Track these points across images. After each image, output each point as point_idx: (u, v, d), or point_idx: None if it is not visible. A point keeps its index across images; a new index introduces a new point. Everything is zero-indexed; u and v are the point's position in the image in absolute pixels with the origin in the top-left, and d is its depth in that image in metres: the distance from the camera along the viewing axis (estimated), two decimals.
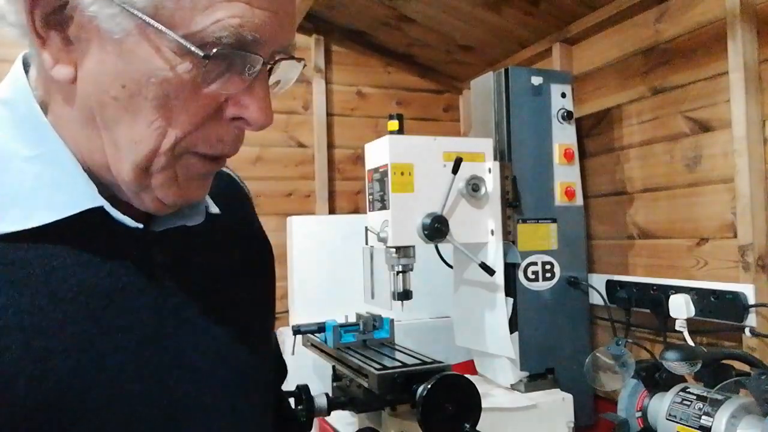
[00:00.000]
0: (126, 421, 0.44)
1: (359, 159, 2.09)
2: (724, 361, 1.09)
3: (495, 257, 1.30)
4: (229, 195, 0.61)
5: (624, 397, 1.10)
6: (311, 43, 2.11)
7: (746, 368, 1.05)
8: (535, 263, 1.38)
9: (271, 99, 0.46)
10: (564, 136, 1.45)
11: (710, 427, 0.94)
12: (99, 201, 0.44)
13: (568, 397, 1.28)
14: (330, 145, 2.09)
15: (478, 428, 1.07)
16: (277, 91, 0.49)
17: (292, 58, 0.46)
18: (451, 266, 1.45)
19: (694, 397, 1.00)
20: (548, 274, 1.39)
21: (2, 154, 0.43)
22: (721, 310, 1.26)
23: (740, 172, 1.26)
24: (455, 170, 1.25)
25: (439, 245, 1.34)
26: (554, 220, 1.41)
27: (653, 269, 1.53)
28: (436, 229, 1.23)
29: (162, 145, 0.43)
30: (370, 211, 1.31)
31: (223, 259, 0.56)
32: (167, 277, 0.50)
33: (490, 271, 1.28)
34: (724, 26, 1.29)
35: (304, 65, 0.48)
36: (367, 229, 1.32)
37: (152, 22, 0.39)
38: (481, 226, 1.31)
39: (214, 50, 0.40)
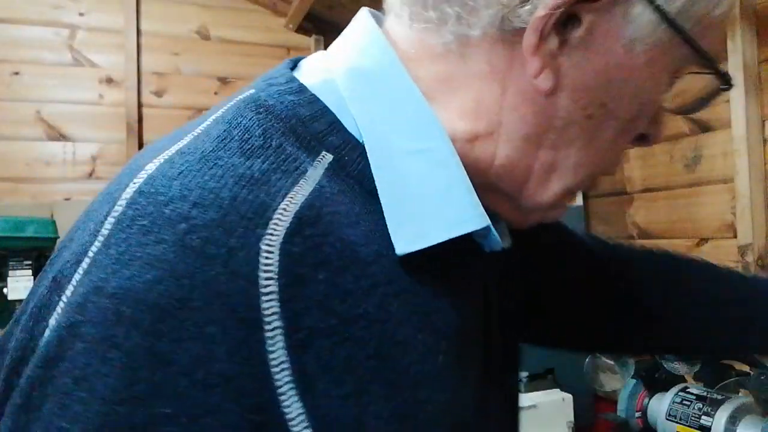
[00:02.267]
0: None
1: None
2: (723, 361, 1.09)
3: None
4: None
5: (624, 398, 1.10)
6: (311, 43, 2.11)
7: (746, 368, 1.05)
8: None
9: None
10: None
11: (710, 427, 0.94)
12: (486, 221, 0.34)
13: (568, 398, 1.28)
14: None
15: None
16: None
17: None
18: None
19: (694, 397, 1.00)
20: None
21: (388, 147, 0.34)
22: None
23: (740, 172, 1.26)
24: None
25: None
26: None
27: None
28: None
29: (598, 167, 0.38)
30: None
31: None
32: (483, 288, 0.43)
33: None
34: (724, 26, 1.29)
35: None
36: None
37: (692, 36, 0.33)
38: None
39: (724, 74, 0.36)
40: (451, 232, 0.33)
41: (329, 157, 0.33)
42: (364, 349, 0.30)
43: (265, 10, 2.16)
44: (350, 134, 0.34)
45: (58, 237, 1.62)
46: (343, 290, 0.30)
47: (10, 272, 1.52)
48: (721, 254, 1.34)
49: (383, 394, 0.31)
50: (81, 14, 1.98)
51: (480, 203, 0.34)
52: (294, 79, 0.36)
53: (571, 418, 1.26)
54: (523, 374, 1.32)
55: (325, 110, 0.34)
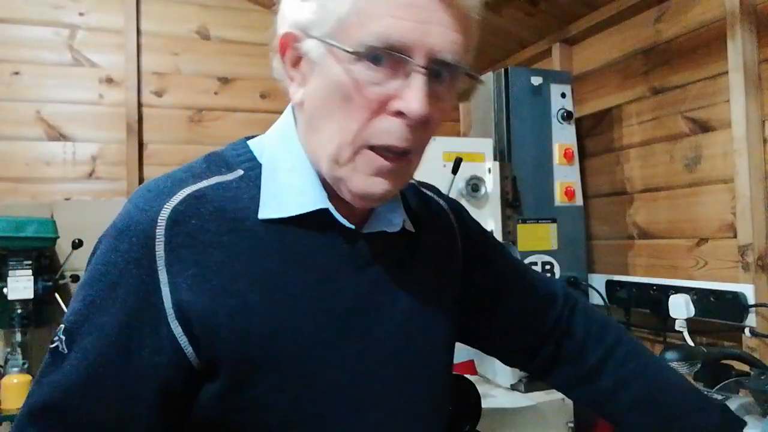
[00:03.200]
0: (329, 362, 0.57)
1: None
2: (723, 361, 1.09)
3: None
4: (428, 215, 0.72)
5: None
6: None
7: (746, 368, 1.05)
8: (535, 263, 1.38)
9: (444, 103, 0.56)
10: (564, 136, 1.45)
11: None
12: (326, 204, 0.58)
13: (569, 399, 1.28)
14: None
15: (478, 429, 1.07)
16: (458, 102, 0.57)
17: (470, 75, 0.57)
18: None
19: None
20: (548, 274, 1.39)
21: (274, 167, 0.60)
22: (720, 310, 1.26)
23: (740, 172, 1.26)
24: (455, 170, 1.25)
25: None
26: (554, 220, 1.41)
27: (653, 269, 1.53)
28: None
29: (344, 139, 0.55)
30: None
31: (416, 259, 0.67)
32: (369, 267, 0.62)
33: None
34: (724, 26, 1.29)
35: (479, 84, 0.60)
36: None
37: (335, 43, 0.53)
38: None
39: (371, 53, 0.52)
40: (300, 209, 0.58)
41: (241, 171, 0.60)
42: (217, 262, 0.54)
43: (265, 9, 2.16)
44: (258, 162, 0.61)
45: (58, 237, 1.62)
46: (207, 229, 0.55)
47: (10, 272, 1.51)
48: (721, 254, 1.34)
49: (229, 293, 0.54)
50: (81, 14, 1.98)
51: (325, 195, 0.59)
52: (244, 140, 0.64)
53: (571, 418, 1.26)
54: (523, 374, 1.32)
55: (249, 152, 0.62)
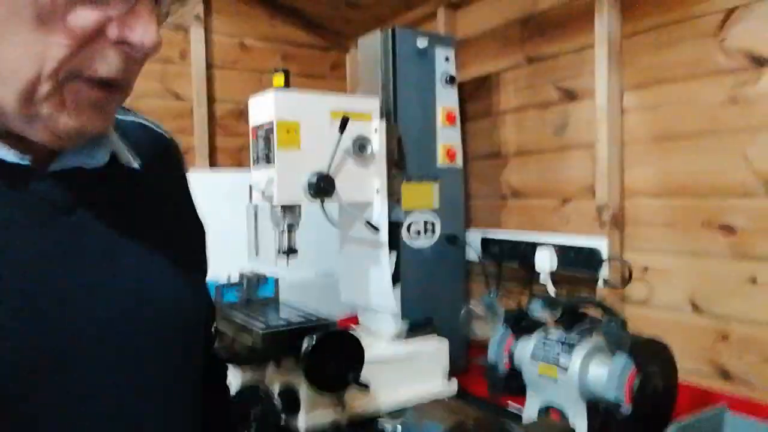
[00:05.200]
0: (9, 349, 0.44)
1: (243, 114, 2.01)
2: (580, 309, 1.22)
3: (380, 216, 1.33)
4: (154, 149, 0.61)
5: (493, 343, 1.19)
6: None
7: (598, 315, 1.18)
8: (418, 221, 1.43)
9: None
10: (447, 99, 1.49)
11: (567, 366, 1.05)
12: None
13: (445, 345, 1.36)
14: (211, 99, 2.00)
15: (361, 378, 1.12)
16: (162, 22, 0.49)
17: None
18: (336, 225, 1.46)
19: (554, 341, 1.10)
20: (429, 232, 1.45)
21: None
22: (580, 263, 1.40)
23: (600, 138, 1.38)
24: (342, 129, 1.25)
25: (325, 203, 1.34)
26: (436, 180, 1.47)
27: (523, 226, 1.65)
28: (322, 188, 1.23)
29: (44, 71, 0.42)
30: (254, 168, 1.28)
31: (137, 205, 0.56)
32: (63, 216, 0.49)
33: (375, 230, 1.31)
34: (593, 1, 1.38)
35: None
36: (251, 187, 1.29)
37: None
38: (366, 185, 1.33)
39: None
40: None
41: None
42: None
43: None
44: None
45: None
46: None
47: None
48: (582, 213, 1.48)
49: None
50: None
51: None
52: None
53: (447, 363, 1.35)
54: (404, 326, 1.38)
55: None
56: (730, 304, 1.18)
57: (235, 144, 2.05)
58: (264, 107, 1.23)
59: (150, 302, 0.53)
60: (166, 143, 0.65)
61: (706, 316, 1.22)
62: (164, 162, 0.63)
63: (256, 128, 1.27)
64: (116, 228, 0.52)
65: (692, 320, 1.24)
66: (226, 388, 0.79)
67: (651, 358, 1.05)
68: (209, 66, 1.99)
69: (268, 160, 1.22)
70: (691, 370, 1.22)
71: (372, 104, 1.34)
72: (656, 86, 1.30)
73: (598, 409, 1.03)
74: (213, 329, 0.75)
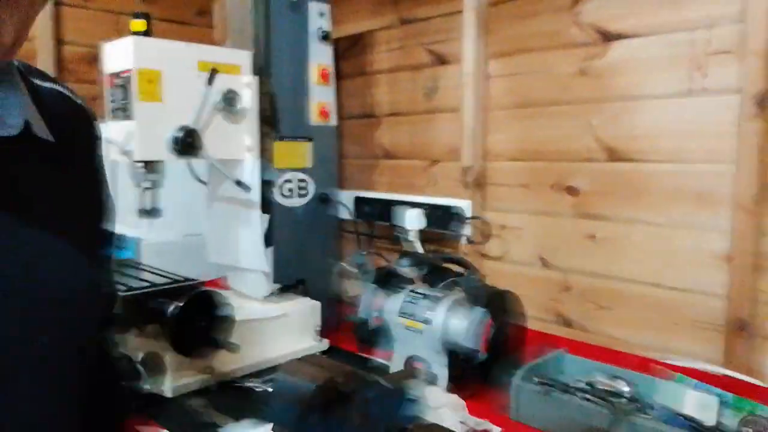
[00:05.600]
0: None
1: (96, 60, 1.83)
2: (445, 265, 1.29)
3: (251, 174, 1.30)
4: (70, 122, 0.57)
5: (364, 300, 1.23)
6: None
7: (461, 270, 1.26)
8: (290, 180, 1.41)
9: None
10: (321, 56, 1.47)
11: (432, 319, 1.12)
12: None
13: (317, 305, 1.38)
14: (58, 41, 1.79)
15: (232, 340, 1.10)
16: None
17: None
18: (204, 183, 1.40)
19: (421, 296, 1.17)
20: (302, 191, 1.44)
21: None
22: (445, 221, 1.48)
23: (465, 103, 1.45)
24: (210, 82, 1.19)
25: (192, 161, 1.28)
26: (310, 139, 1.45)
27: (394, 187, 1.70)
28: (188, 143, 1.16)
29: None
30: (111, 120, 1.18)
31: (44, 181, 0.51)
32: None
33: (246, 188, 1.27)
34: None
35: None
36: (107, 142, 1.19)
37: None
38: (237, 142, 1.29)
39: None
40: None
41: None
42: None
43: None
44: None
45: None
46: None
47: None
48: (448, 174, 1.55)
49: None
50: None
51: None
52: None
53: (319, 322, 1.37)
54: (276, 286, 1.38)
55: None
56: (572, 258, 1.31)
57: (86, 92, 1.83)
58: (122, 54, 1.13)
59: (44, 283, 0.49)
60: (85, 116, 0.60)
61: (552, 269, 1.35)
62: (80, 136, 0.58)
63: (113, 76, 1.16)
64: (18, 204, 0.48)
65: (540, 273, 1.37)
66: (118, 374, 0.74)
67: (504, 309, 1.15)
68: (57, 2, 1.78)
69: (126, 111, 1.13)
70: (538, 318, 1.36)
71: (243, 57, 1.28)
72: (517, 55, 1.37)
73: (457, 358, 1.11)
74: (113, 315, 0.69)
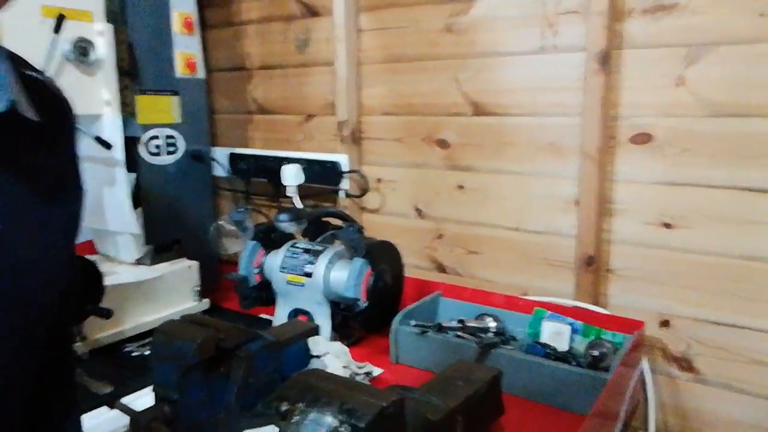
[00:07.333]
0: None
1: None
2: (324, 219, 1.31)
3: (112, 131, 1.21)
4: (49, 109, 0.57)
5: (244, 258, 1.22)
6: None
7: (340, 223, 1.29)
8: (157, 137, 1.34)
9: None
10: (183, 4, 1.38)
11: (312, 273, 1.14)
12: None
13: (194, 264, 1.34)
14: None
15: (104, 306, 1.05)
16: None
17: None
18: None
19: (301, 250, 1.18)
20: (171, 148, 1.37)
21: None
22: (323, 176, 1.49)
23: (339, 57, 1.44)
24: (57, 29, 1.08)
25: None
26: (176, 93, 1.37)
27: (269, 142, 1.67)
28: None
29: None
30: None
31: (24, 162, 0.52)
32: None
33: (107, 146, 1.19)
34: None
35: None
36: None
37: None
38: (94, 96, 1.19)
39: None
40: None
41: None
42: None
43: None
44: None
45: None
46: None
47: None
48: (324, 129, 1.55)
49: None
50: None
51: None
52: None
53: (197, 282, 1.34)
54: (149, 248, 1.32)
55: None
56: (444, 208, 1.39)
57: None
58: None
59: (13, 266, 0.49)
60: (65, 105, 0.61)
61: (427, 219, 1.42)
62: (62, 122, 0.60)
63: None
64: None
65: (415, 223, 1.44)
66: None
67: (383, 259, 1.19)
68: None
69: None
70: (415, 265, 1.43)
71: (94, 3, 1.17)
72: (388, 9, 1.39)
73: (339, 308, 1.15)
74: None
